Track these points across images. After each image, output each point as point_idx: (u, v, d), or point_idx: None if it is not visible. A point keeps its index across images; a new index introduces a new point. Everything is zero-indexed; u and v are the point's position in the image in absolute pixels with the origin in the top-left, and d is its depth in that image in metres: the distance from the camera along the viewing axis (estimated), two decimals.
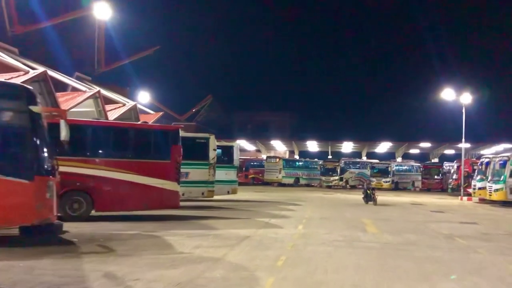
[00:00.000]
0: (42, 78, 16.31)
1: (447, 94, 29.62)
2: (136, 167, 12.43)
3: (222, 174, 19.88)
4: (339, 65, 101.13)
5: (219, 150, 20.95)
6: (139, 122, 16.13)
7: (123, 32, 29.99)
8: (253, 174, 44.14)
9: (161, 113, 27.50)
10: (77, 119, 12.87)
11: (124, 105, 23.32)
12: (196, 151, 17.02)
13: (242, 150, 59.73)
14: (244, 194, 26.78)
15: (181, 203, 17.63)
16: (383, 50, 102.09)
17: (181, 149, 12.90)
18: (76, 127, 12.46)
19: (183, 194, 16.37)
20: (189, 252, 8.22)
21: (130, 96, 31.86)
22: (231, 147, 20.88)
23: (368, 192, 20.98)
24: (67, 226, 9.73)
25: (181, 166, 16.22)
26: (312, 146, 56.51)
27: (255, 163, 45.81)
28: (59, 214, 9.50)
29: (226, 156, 20.88)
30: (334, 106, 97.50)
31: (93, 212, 12.24)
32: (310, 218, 14.80)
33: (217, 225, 12.12)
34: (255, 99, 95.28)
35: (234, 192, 20.61)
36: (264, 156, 47.94)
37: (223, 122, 62.54)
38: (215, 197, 19.98)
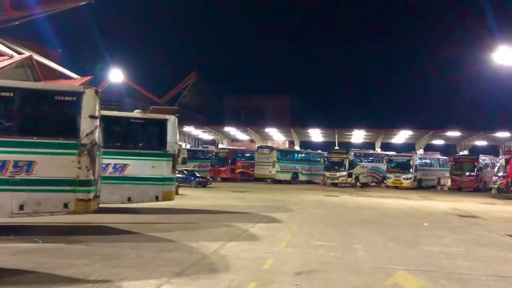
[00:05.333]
0: None
1: (503, 54, 20.54)
2: None
3: (145, 167, 11.84)
4: (346, 39, 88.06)
5: (148, 127, 12.69)
6: None
7: None
8: (241, 168, 35.81)
9: (88, 77, 18.85)
10: None
11: (11, 57, 14.86)
12: (50, 121, 8.49)
13: (234, 140, 51.48)
14: (209, 195, 19.15)
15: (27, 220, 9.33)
16: (397, 14, 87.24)
17: None
18: None
19: (21, 207, 8.05)
20: None
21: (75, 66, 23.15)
22: (163, 122, 12.21)
23: None
24: None
25: (15, 149, 8.00)
26: (316, 135, 47.52)
27: (245, 155, 37.25)
28: None
29: (153, 138, 12.47)
30: (342, 87, 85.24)
31: None
32: (276, 269, 6.22)
33: None
34: (249, 81, 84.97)
35: (167, 197, 12.07)
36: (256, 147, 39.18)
37: (212, 107, 53.70)
38: (136, 206, 12.13)
